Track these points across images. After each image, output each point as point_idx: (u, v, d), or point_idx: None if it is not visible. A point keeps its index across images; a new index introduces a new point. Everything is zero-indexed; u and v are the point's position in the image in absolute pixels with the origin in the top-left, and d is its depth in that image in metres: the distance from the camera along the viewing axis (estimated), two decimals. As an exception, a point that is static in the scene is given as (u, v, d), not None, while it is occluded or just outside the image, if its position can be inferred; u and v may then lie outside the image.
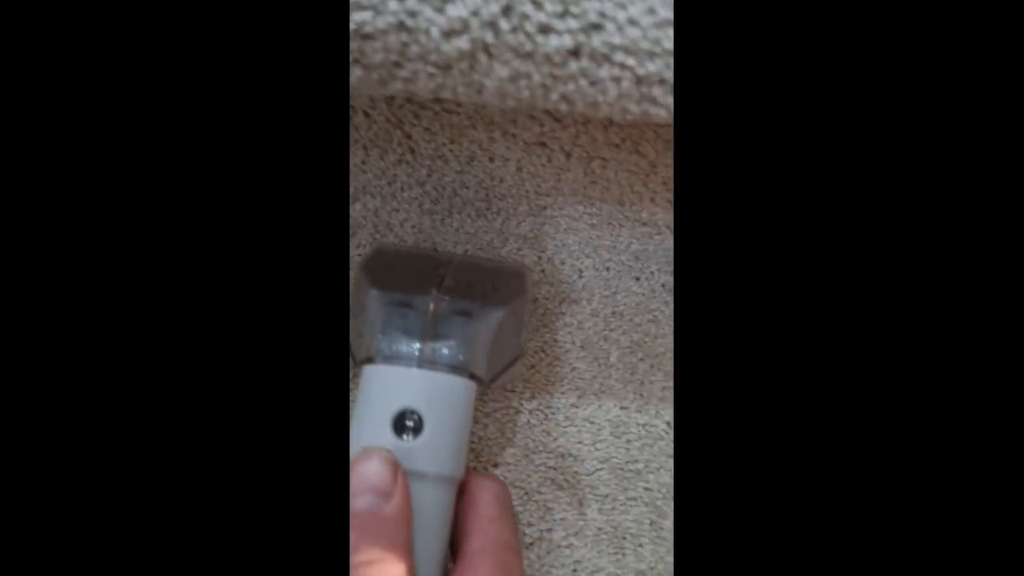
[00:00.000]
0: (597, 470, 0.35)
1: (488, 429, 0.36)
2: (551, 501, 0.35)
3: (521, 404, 0.36)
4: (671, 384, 0.37)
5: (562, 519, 0.34)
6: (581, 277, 0.38)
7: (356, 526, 0.26)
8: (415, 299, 0.31)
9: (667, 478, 0.35)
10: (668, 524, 0.35)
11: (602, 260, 0.38)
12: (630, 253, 0.38)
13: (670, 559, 0.34)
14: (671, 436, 0.36)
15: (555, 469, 0.35)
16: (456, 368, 0.30)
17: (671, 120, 0.25)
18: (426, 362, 0.29)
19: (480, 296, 0.32)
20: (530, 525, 0.34)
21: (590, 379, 0.37)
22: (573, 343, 0.37)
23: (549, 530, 0.34)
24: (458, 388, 0.29)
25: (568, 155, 0.33)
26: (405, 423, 0.28)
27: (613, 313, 0.38)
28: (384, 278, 0.32)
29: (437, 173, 0.34)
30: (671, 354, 0.37)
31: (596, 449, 0.36)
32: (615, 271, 0.38)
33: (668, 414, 0.36)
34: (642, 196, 0.35)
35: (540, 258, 0.38)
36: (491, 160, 0.33)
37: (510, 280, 0.34)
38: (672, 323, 0.37)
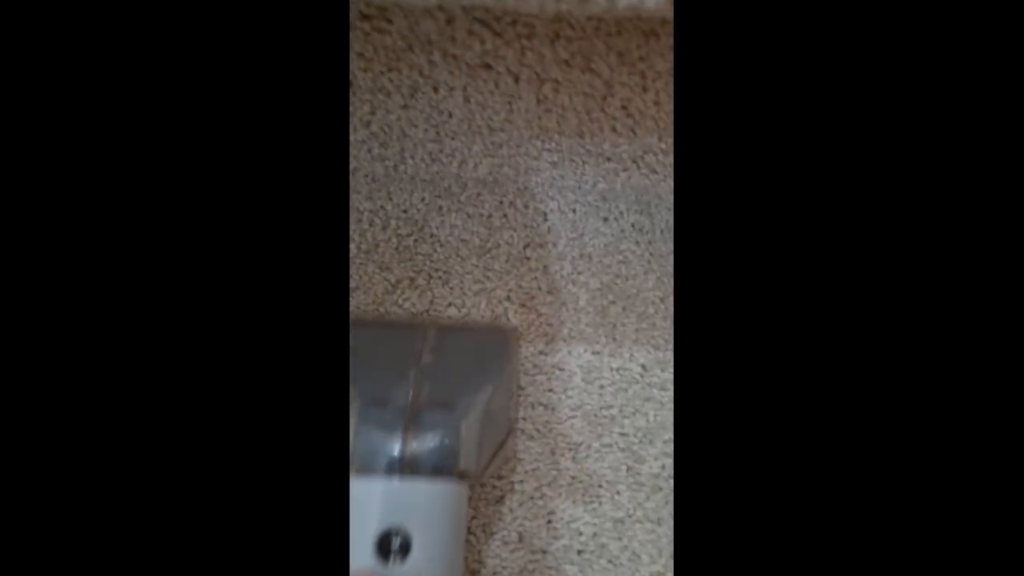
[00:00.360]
0: (569, 418, 0.33)
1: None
2: (522, 452, 0.33)
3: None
4: (644, 326, 0.35)
5: (534, 469, 0.32)
6: (546, 220, 0.36)
7: None
8: (391, 390, 0.28)
9: (643, 422, 0.33)
10: (645, 469, 0.33)
11: (567, 201, 0.36)
12: (596, 192, 0.36)
13: (649, 504, 0.32)
14: (646, 379, 0.34)
15: (525, 419, 0.33)
16: (442, 470, 0.27)
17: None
18: (408, 468, 0.26)
19: (463, 375, 0.29)
20: (501, 478, 0.32)
21: (558, 324, 0.35)
22: (539, 288, 0.35)
23: (521, 481, 0.32)
24: (446, 496, 0.26)
25: (516, 78, 0.31)
26: (391, 544, 0.25)
27: (581, 255, 0.36)
28: (357, 369, 0.28)
29: (381, 109, 0.32)
30: (644, 295, 0.35)
31: (568, 396, 0.34)
32: (581, 212, 0.36)
33: (642, 356, 0.34)
34: (602, 125, 0.34)
35: (502, 203, 0.36)
36: (435, 90, 0.32)
37: (494, 346, 0.31)
38: (644, 264, 0.35)
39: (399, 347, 0.30)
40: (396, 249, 0.35)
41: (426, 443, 0.27)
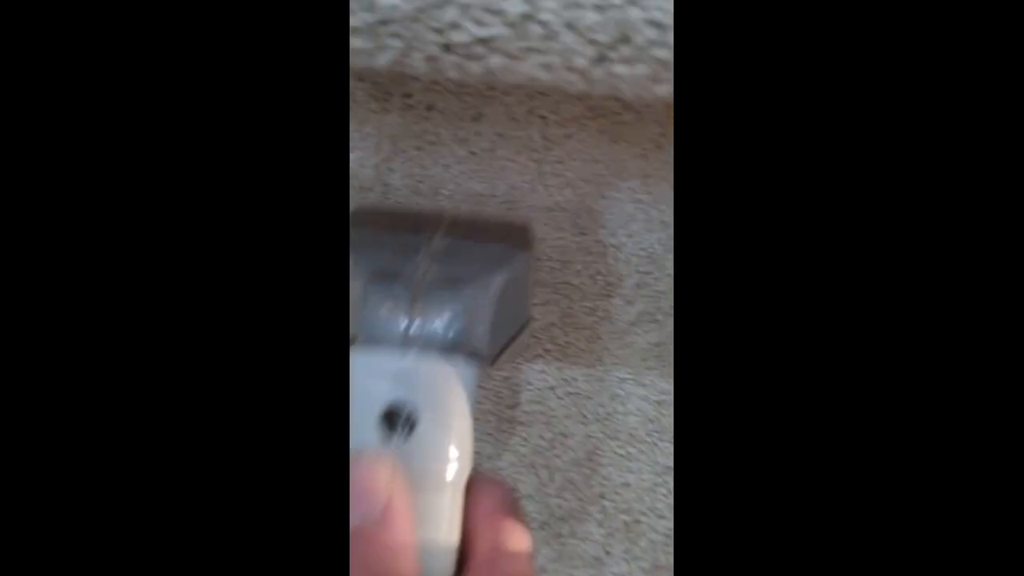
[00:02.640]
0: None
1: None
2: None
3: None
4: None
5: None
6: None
7: (353, 546, 0.22)
8: (400, 266, 0.26)
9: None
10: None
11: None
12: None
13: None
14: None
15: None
16: (452, 346, 0.25)
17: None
18: (416, 342, 0.25)
19: (477, 258, 0.27)
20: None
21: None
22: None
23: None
24: (455, 371, 0.25)
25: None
26: (396, 419, 0.24)
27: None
28: (365, 242, 0.27)
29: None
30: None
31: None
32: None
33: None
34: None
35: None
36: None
37: (511, 236, 0.29)
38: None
39: (412, 229, 0.28)
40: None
41: (435, 319, 0.25)
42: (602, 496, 0.37)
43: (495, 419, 0.38)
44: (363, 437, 0.24)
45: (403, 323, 0.25)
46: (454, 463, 0.24)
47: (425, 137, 0.37)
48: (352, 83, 0.35)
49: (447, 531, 0.24)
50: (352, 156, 0.40)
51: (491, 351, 0.26)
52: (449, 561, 0.24)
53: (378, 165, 0.41)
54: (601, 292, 0.39)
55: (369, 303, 0.26)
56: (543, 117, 0.35)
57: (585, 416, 0.38)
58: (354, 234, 0.28)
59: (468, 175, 0.39)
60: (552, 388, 0.39)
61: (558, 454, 0.38)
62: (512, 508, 0.26)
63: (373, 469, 0.23)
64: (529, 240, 0.30)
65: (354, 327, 0.26)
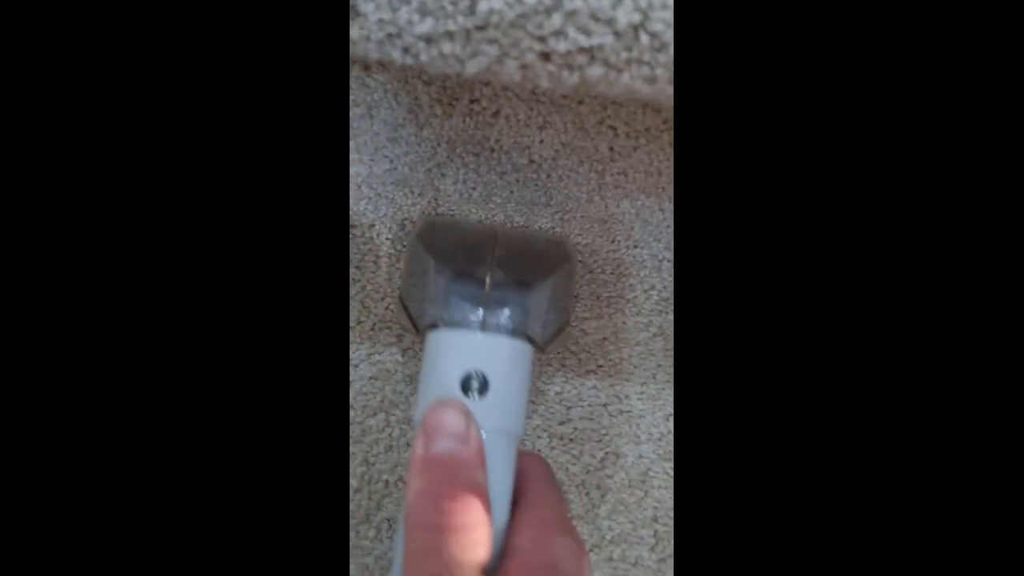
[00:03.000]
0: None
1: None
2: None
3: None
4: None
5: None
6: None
7: (434, 469, 0.27)
8: (474, 270, 0.33)
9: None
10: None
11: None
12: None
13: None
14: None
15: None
16: (516, 332, 0.32)
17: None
18: (488, 327, 0.31)
19: (531, 266, 0.34)
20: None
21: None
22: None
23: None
24: (519, 350, 0.31)
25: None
26: (471, 383, 0.30)
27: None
28: (441, 250, 0.34)
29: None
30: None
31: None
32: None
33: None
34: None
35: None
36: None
37: (555, 249, 0.36)
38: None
39: (476, 240, 0.35)
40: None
41: (503, 311, 0.32)
42: (655, 519, 0.36)
43: (546, 436, 0.37)
44: (447, 394, 0.30)
45: (479, 312, 0.31)
46: (516, 420, 0.31)
47: (486, 144, 0.36)
48: (419, 87, 0.34)
49: (508, 475, 0.30)
50: (405, 159, 0.39)
51: (543, 338, 0.33)
52: (508, 501, 0.30)
53: (431, 170, 0.40)
54: (655, 307, 0.38)
55: (451, 296, 0.32)
56: (614, 128, 0.34)
57: (638, 436, 0.37)
58: (431, 240, 0.34)
59: (524, 183, 0.38)
60: (604, 405, 0.38)
61: (609, 474, 0.37)
62: (551, 475, 0.32)
63: (455, 410, 0.28)
64: (570, 253, 0.36)
65: (436, 315, 0.32)
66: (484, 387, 0.30)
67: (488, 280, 0.32)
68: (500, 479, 0.29)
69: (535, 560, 0.27)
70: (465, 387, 0.30)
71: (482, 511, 0.26)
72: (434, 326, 0.32)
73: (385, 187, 0.41)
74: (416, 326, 0.33)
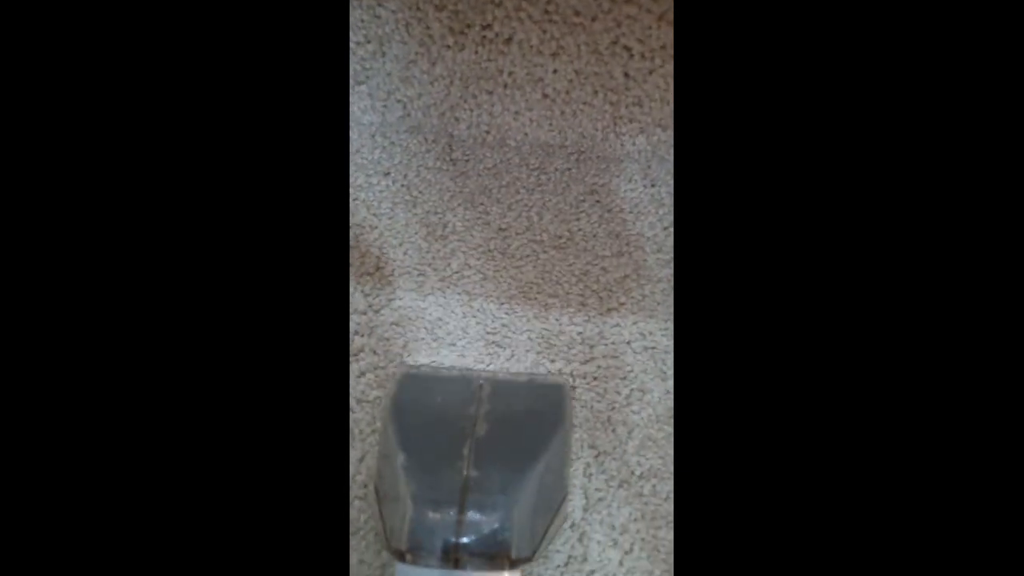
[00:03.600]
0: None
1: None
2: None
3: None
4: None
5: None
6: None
7: None
8: (445, 476, 0.28)
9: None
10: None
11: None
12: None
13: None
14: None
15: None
16: (494, 559, 0.27)
17: None
18: (460, 555, 0.27)
19: (516, 450, 0.29)
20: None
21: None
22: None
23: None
24: None
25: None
26: None
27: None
28: (413, 434, 0.29)
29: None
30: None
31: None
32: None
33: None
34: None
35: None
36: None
37: (549, 405, 0.31)
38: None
39: (456, 410, 0.30)
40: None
41: (479, 532, 0.27)
42: (683, 454, 0.36)
43: (570, 376, 0.36)
44: None
45: (449, 534, 0.27)
46: None
47: (499, 79, 0.36)
48: (430, 13, 0.34)
49: None
50: (419, 102, 0.38)
51: (531, 550, 0.28)
52: None
53: (444, 113, 0.40)
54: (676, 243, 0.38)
55: (419, 525, 0.27)
56: (628, 48, 0.34)
57: (663, 372, 0.37)
58: (406, 416, 0.30)
59: (538, 122, 0.38)
60: (628, 343, 0.37)
61: (636, 410, 0.36)
62: None
63: None
64: (568, 402, 0.31)
65: (404, 543, 0.27)
66: None
67: (461, 487, 0.27)
68: None
69: None
70: None
71: None
72: (400, 556, 0.27)
73: (399, 135, 0.41)
74: (387, 538, 0.28)
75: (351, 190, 0.40)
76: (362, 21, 0.34)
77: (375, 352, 0.36)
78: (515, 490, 0.28)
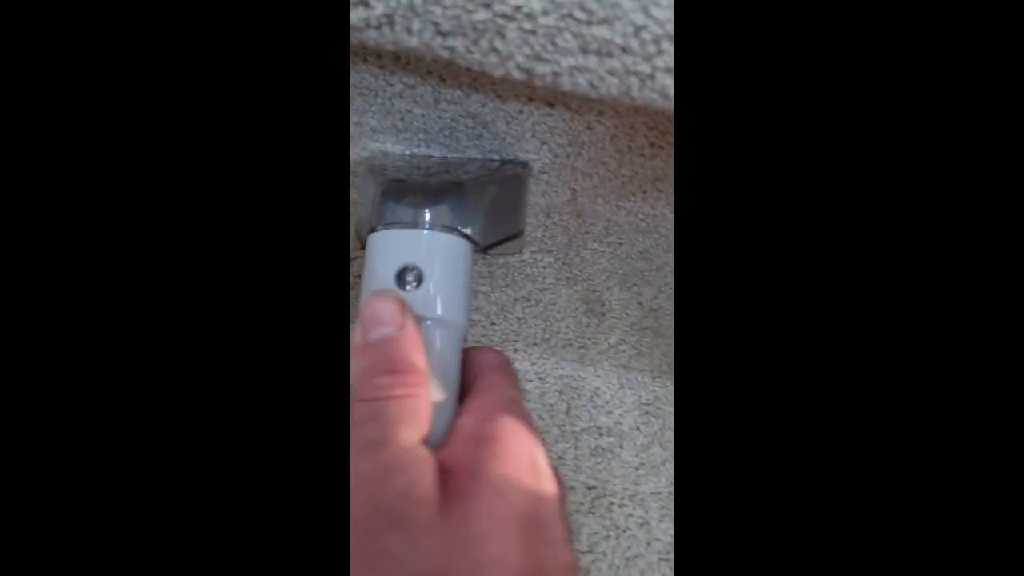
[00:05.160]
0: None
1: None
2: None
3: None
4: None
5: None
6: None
7: (371, 353, 0.27)
8: (411, 175, 0.34)
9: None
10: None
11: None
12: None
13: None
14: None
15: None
16: (451, 229, 0.32)
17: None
18: (422, 224, 0.32)
19: (478, 170, 0.35)
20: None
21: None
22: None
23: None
24: (453, 244, 0.32)
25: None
26: (407, 277, 0.31)
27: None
28: (383, 167, 0.36)
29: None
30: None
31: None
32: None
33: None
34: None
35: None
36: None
37: (507, 166, 0.37)
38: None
39: (421, 159, 0.37)
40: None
41: (439, 209, 0.32)
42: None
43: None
44: (382, 287, 0.31)
45: (413, 213, 0.32)
46: (453, 309, 0.31)
47: (665, 178, 0.39)
48: (641, 131, 0.38)
49: (451, 358, 0.31)
50: (590, 192, 0.42)
51: (483, 240, 0.34)
52: (454, 384, 0.31)
53: (609, 201, 0.44)
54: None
55: (387, 200, 0.33)
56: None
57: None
58: (378, 164, 0.36)
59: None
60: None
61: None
62: (507, 366, 0.33)
63: (388, 299, 0.29)
64: (523, 172, 0.37)
65: (374, 220, 0.33)
66: (420, 279, 0.30)
67: (426, 182, 0.33)
68: (443, 364, 0.30)
69: (476, 432, 0.28)
70: (401, 281, 0.30)
71: (419, 385, 0.27)
72: (372, 230, 0.32)
73: (562, 216, 0.45)
74: (360, 238, 0.34)
75: (519, 265, 0.44)
76: (563, 121, 0.37)
77: (541, 417, 0.40)
78: (471, 190, 0.33)
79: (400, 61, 0.34)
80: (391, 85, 0.36)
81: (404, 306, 0.29)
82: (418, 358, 0.28)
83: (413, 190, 0.33)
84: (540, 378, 0.42)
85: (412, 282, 0.30)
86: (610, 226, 0.45)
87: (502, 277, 0.43)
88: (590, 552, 0.38)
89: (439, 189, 0.33)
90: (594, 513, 0.39)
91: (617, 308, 0.44)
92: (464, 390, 0.32)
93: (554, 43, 0.24)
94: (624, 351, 0.43)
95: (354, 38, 0.27)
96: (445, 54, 0.26)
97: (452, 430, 0.29)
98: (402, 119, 0.39)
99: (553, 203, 0.44)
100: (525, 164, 0.39)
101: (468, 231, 0.33)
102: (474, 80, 0.33)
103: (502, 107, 0.35)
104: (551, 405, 0.41)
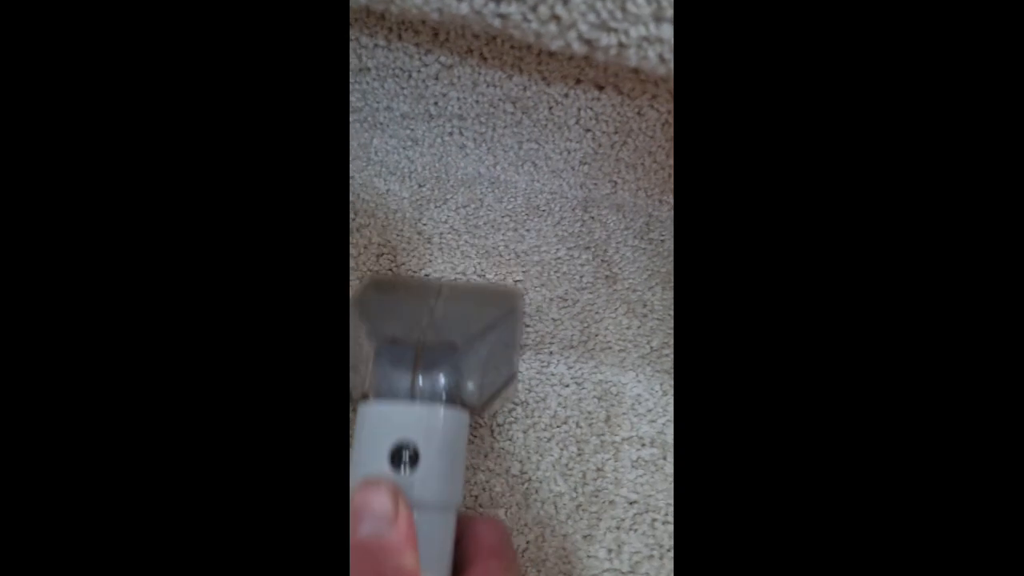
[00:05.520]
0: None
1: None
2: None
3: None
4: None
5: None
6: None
7: (361, 555, 0.25)
8: (406, 332, 0.32)
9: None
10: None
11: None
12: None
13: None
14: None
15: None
16: (448, 399, 0.31)
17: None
18: (418, 395, 0.30)
19: (468, 325, 0.33)
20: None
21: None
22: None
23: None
24: (451, 419, 0.30)
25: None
26: (402, 456, 0.29)
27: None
28: (375, 313, 0.33)
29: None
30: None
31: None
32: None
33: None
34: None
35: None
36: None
37: (500, 301, 0.35)
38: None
39: (415, 300, 0.34)
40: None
41: (434, 378, 0.31)
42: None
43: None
44: (375, 469, 0.28)
45: (408, 380, 0.30)
46: (449, 491, 0.29)
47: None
48: None
49: (444, 549, 0.29)
50: (631, 184, 0.40)
51: (480, 403, 0.32)
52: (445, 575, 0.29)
53: (652, 195, 0.41)
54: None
55: (380, 364, 0.31)
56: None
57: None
58: (369, 304, 0.34)
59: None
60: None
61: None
62: (505, 540, 0.30)
63: (381, 490, 0.27)
64: (516, 304, 0.35)
65: (366, 385, 0.31)
66: (415, 459, 0.28)
67: (419, 343, 0.31)
68: (435, 555, 0.28)
69: None
70: (395, 460, 0.28)
71: None
72: (364, 397, 0.31)
73: (600, 211, 0.42)
74: (351, 397, 0.32)
75: (554, 263, 0.41)
76: (612, 106, 0.35)
77: (579, 425, 0.38)
78: (466, 350, 0.31)
79: (439, 38, 0.31)
80: (426, 65, 0.34)
81: (397, 495, 0.27)
82: (409, 559, 0.26)
83: (406, 357, 0.31)
84: (577, 383, 0.39)
85: (407, 462, 0.29)
86: (652, 222, 0.42)
87: (537, 276, 0.41)
88: (632, 573, 0.35)
89: (434, 353, 0.31)
90: (635, 530, 0.36)
91: (660, 309, 0.41)
92: (458, 568, 0.30)
93: (624, 9, 0.22)
94: (667, 355, 0.40)
95: (396, 5, 0.24)
96: (497, 23, 0.24)
97: None
98: (436, 104, 0.36)
99: (591, 196, 0.42)
100: (517, 292, 0.37)
101: (465, 396, 0.31)
102: (519, 59, 0.31)
103: (546, 90, 0.33)
104: (589, 412, 0.38)
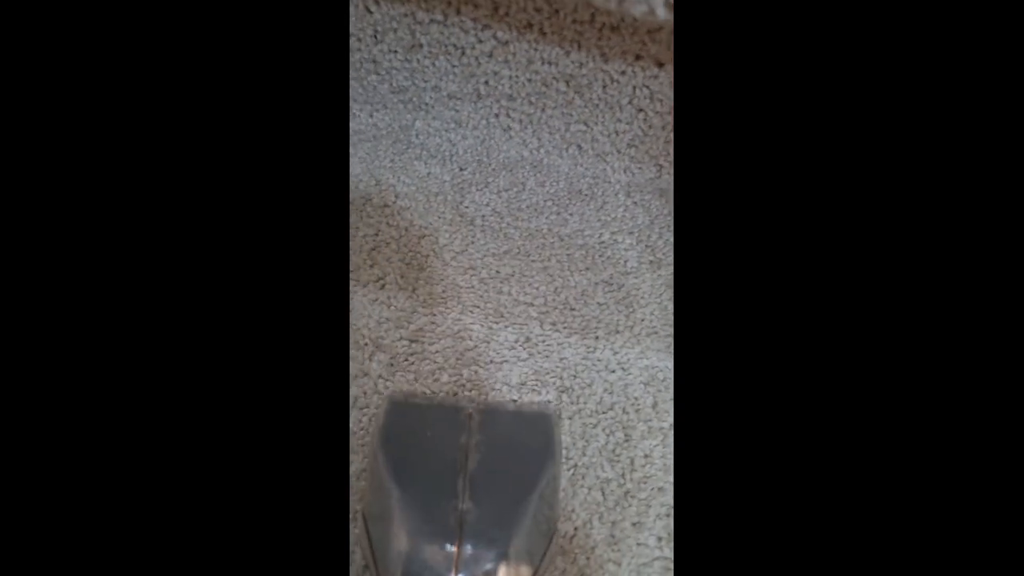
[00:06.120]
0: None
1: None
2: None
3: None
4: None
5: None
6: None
7: None
8: (440, 512, 0.28)
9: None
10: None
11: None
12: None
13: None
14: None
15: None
16: None
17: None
18: None
19: (510, 482, 0.29)
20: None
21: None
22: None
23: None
24: None
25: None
26: None
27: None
28: (405, 467, 0.29)
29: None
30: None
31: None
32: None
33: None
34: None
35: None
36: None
37: (539, 434, 0.31)
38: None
39: (446, 439, 0.30)
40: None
41: (476, 567, 0.27)
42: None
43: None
44: None
45: (446, 574, 0.27)
46: None
47: None
48: None
49: None
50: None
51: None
52: None
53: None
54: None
55: (413, 557, 0.27)
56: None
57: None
58: (395, 448, 0.30)
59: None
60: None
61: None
62: None
63: None
64: (557, 431, 0.31)
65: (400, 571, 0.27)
66: None
67: (457, 523, 0.27)
68: None
69: None
70: None
71: None
72: None
73: (643, 196, 0.42)
74: (378, 570, 0.28)
75: (598, 247, 0.41)
76: (670, 84, 0.35)
77: (625, 411, 0.37)
78: (511, 523, 0.27)
79: (499, 12, 0.31)
80: (482, 42, 0.33)
81: None
82: None
83: (446, 539, 0.27)
84: (623, 368, 0.38)
85: None
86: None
87: (581, 259, 0.40)
88: (682, 560, 0.34)
89: (476, 537, 0.27)
90: (684, 517, 0.35)
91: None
92: None
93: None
94: (714, 342, 0.39)
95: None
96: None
97: None
98: (487, 82, 0.36)
99: (635, 181, 0.41)
100: (552, 416, 0.33)
101: None
102: (579, 33, 0.30)
103: (603, 67, 0.32)
104: (636, 399, 0.38)
